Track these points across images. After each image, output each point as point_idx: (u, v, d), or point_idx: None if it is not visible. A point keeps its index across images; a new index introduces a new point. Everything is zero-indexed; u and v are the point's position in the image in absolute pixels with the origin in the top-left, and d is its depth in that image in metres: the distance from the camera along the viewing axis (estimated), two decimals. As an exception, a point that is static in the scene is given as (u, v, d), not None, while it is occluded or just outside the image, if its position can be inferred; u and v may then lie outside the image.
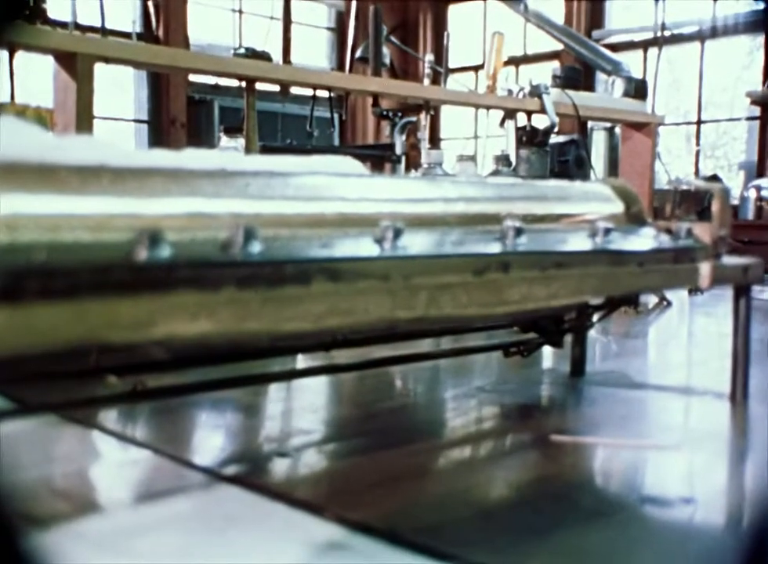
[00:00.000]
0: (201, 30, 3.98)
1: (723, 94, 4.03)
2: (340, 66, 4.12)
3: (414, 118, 2.23)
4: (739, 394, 0.73)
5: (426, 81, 1.83)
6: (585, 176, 2.63)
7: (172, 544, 0.42)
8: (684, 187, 0.71)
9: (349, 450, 0.57)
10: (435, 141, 4.48)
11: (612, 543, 0.41)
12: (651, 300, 1.36)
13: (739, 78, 3.95)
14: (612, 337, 1.10)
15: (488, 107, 1.81)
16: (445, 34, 2.08)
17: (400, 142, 2.31)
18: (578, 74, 2.04)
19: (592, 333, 1.12)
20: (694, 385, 0.80)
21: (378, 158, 2.70)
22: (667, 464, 0.56)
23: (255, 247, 0.45)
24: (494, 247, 0.55)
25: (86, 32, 1.54)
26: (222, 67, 1.35)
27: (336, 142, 4.52)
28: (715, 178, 3.37)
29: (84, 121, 1.14)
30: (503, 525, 0.44)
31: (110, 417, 0.64)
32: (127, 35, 2.90)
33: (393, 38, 3.37)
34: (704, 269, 0.67)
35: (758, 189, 1.37)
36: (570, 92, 1.89)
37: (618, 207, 0.73)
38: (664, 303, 1.37)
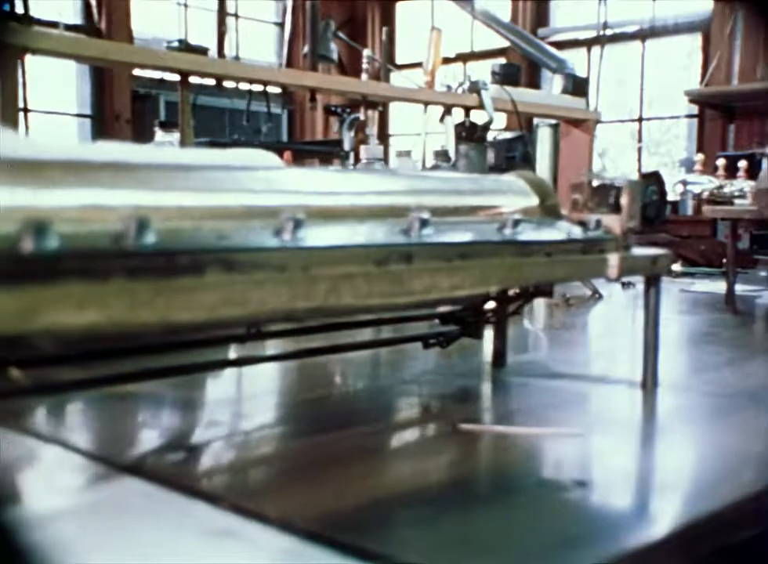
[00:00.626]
0: (146, 23, 3.93)
1: (666, 92, 4.11)
2: (288, 62, 4.10)
3: (362, 114, 2.23)
4: (649, 382, 0.74)
5: (364, 76, 1.83)
6: (531, 172, 2.66)
7: (62, 537, 0.42)
8: (597, 181, 0.72)
9: (256, 442, 0.58)
10: (384, 137, 4.48)
11: (497, 526, 0.42)
12: (584, 293, 1.38)
13: (680, 77, 4.02)
14: (539, 328, 1.12)
15: (427, 103, 1.82)
16: (384, 29, 2.09)
17: (348, 138, 2.30)
18: (517, 71, 2.07)
19: (525, 324, 1.14)
20: (612, 374, 0.82)
21: (327, 154, 2.70)
22: (567, 450, 0.57)
23: (149, 238, 0.45)
24: (398, 239, 0.56)
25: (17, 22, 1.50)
26: (153, 60, 1.34)
27: (284, 137, 4.49)
28: (655, 174, 3.43)
29: (9, 114, 1.12)
30: (394, 512, 0.44)
31: (17, 411, 0.63)
32: (71, 28, 2.84)
33: (340, 34, 3.36)
34: (613, 259, 0.68)
35: (684, 183, 1.41)
36: (509, 89, 1.91)
37: (532, 200, 0.74)
38: (596, 296, 1.39)
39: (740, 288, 1.53)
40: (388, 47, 1.92)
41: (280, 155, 1.69)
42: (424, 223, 0.57)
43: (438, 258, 0.56)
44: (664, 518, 0.46)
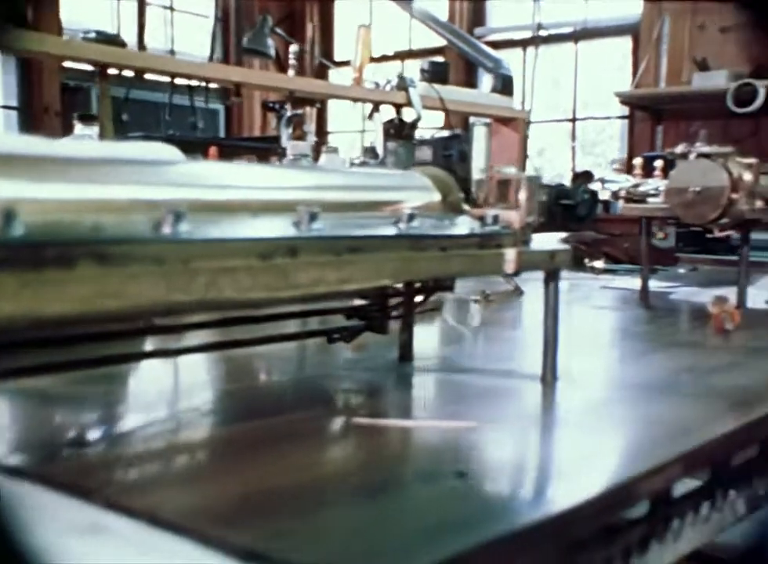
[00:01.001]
0: (79, 14, 3.85)
1: (601, 93, 4.18)
2: (225, 56, 4.05)
3: (300, 111, 2.22)
4: (549, 376, 0.75)
5: (291, 72, 1.83)
6: (467, 170, 2.69)
7: None
8: (499, 176, 0.73)
9: (144, 439, 0.57)
10: (323, 134, 4.47)
11: (368, 518, 0.42)
12: (506, 289, 1.39)
13: (614, 79, 4.10)
14: (454, 325, 1.13)
15: (355, 100, 1.82)
16: (310, 26, 2.08)
17: (286, 135, 2.29)
18: (445, 69, 2.08)
19: (440, 320, 1.14)
20: (518, 369, 0.83)
21: (264, 150, 2.69)
22: (455, 442, 0.57)
23: (16, 230, 0.44)
24: (285, 233, 0.55)
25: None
26: (67, 51, 1.31)
27: (222, 133, 4.44)
28: (586, 173, 3.50)
29: None
30: (269, 507, 0.44)
31: None
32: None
33: (278, 30, 3.33)
34: (510, 254, 0.69)
35: (603, 182, 1.44)
36: (438, 86, 1.92)
37: (434, 195, 0.75)
38: (518, 292, 1.41)
39: (657, 285, 1.56)
40: (314, 43, 1.91)
41: (206, 151, 1.67)
42: (313, 217, 0.57)
43: (326, 251, 0.56)
44: (536, 506, 0.47)
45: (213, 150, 1.60)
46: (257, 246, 0.52)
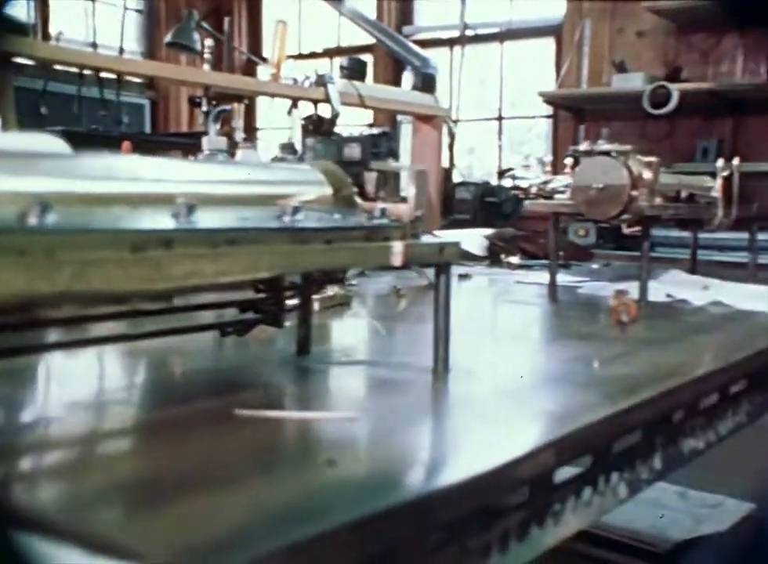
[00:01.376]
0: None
1: (528, 93, 4.25)
2: (150, 50, 3.99)
3: (228, 107, 2.20)
4: (441, 368, 0.77)
5: (206, 67, 1.81)
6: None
7: None
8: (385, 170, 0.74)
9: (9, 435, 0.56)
10: (251, 130, 4.44)
11: (218, 507, 0.42)
12: (419, 284, 1.41)
13: (541, 79, 4.17)
14: (361, 318, 1.13)
15: (272, 95, 1.81)
16: (227, 20, 2.07)
17: (213, 131, 2.26)
18: (364, 66, 2.09)
19: (346, 315, 1.15)
20: (415, 362, 0.83)
21: (191, 146, 2.65)
22: (333, 432, 0.58)
23: None
24: (160, 224, 0.55)
25: None
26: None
27: (147, 128, 4.37)
28: (511, 172, 3.56)
29: None
30: (128, 498, 0.44)
31: None
32: None
33: (204, 24, 3.29)
34: (397, 247, 0.70)
35: (513, 178, 1.46)
36: (358, 84, 1.93)
37: (326, 189, 0.75)
38: (430, 287, 1.42)
39: (568, 279, 1.60)
40: (230, 38, 1.89)
41: (119, 145, 1.64)
42: (191, 209, 0.57)
43: (202, 244, 0.56)
44: (400, 490, 0.47)
45: (126, 145, 1.58)
46: (128, 237, 0.52)
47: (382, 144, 2.94)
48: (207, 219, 0.58)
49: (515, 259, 1.88)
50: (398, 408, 0.66)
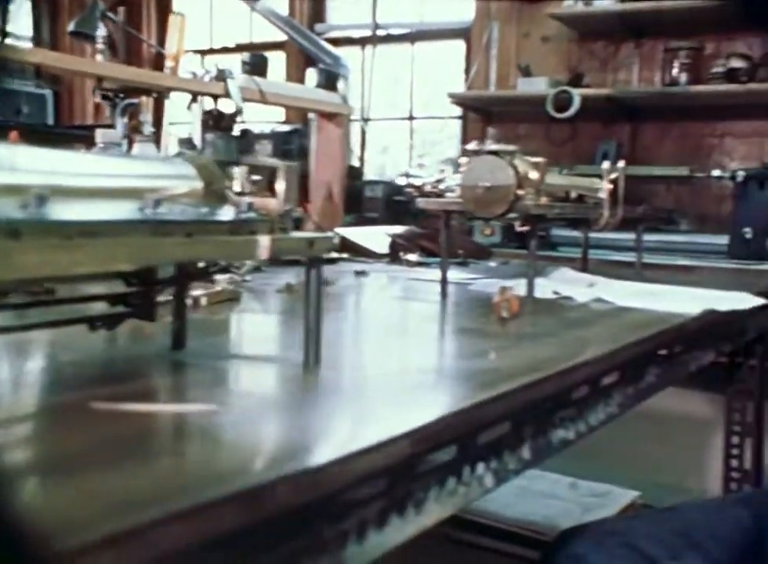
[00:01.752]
0: None
1: (440, 94, 4.30)
2: (53, 39, 3.87)
3: (136, 100, 2.15)
4: (311, 361, 0.77)
5: (99, 57, 1.77)
6: (307, 163, 2.70)
7: None
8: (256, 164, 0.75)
9: None
10: (160, 124, 4.35)
11: (61, 498, 0.42)
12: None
13: (454, 80, 4.22)
14: (250, 313, 1.13)
15: (170, 89, 1.79)
16: (121, 9, 2.03)
17: (120, 124, 2.20)
18: (265, 62, 2.08)
19: (235, 310, 1.15)
20: (293, 356, 0.84)
21: (89, 139, 2.59)
22: (189, 424, 0.58)
23: None
24: (9, 215, 0.54)
25: None
26: None
27: (50, 120, 4.23)
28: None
29: None
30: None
31: None
32: None
33: (111, 15, 3.21)
34: (264, 240, 0.70)
35: (407, 176, 1.48)
36: (259, 79, 1.92)
37: (196, 183, 0.75)
38: (327, 284, 1.43)
39: (462, 277, 1.63)
40: (125, 30, 1.86)
41: (6, 135, 1.59)
42: (42, 200, 0.56)
43: (53, 235, 0.55)
44: (241, 478, 0.48)
45: (14, 134, 1.53)
46: (-31, 228, 0.51)
47: (293, 141, 2.94)
48: (63, 211, 0.58)
49: (413, 257, 1.90)
50: (259, 401, 0.67)
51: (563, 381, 0.88)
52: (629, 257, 2.23)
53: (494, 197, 1.32)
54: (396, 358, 0.91)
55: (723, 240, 2.59)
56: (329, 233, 0.78)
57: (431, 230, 2.34)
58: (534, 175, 1.35)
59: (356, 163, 3.91)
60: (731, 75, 3.03)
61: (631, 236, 2.58)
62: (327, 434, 0.60)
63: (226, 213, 0.71)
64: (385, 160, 5.07)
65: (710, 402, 2.34)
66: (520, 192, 1.32)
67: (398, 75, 4.32)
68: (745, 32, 3.18)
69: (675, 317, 1.22)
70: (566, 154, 3.50)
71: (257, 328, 1.06)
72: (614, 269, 1.94)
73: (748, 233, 2.59)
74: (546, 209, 1.37)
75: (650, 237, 2.88)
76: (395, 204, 3.41)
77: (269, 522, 0.50)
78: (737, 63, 3.04)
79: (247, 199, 0.70)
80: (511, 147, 1.34)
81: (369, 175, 3.87)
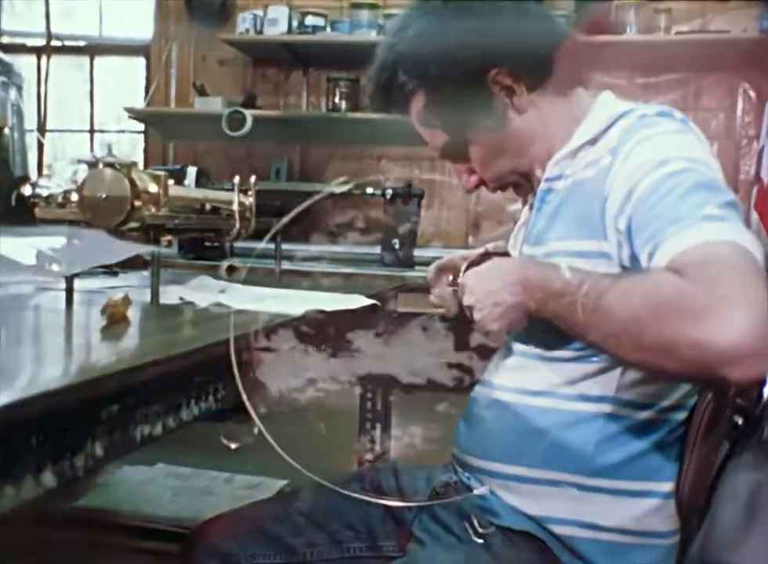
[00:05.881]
0: None
1: (120, 108, 4.15)
2: None
3: None
4: None
5: None
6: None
7: None
8: None
9: None
10: None
11: None
12: None
13: (136, 95, 4.11)
14: None
15: None
16: None
17: None
18: None
19: None
20: None
21: None
22: None
23: None
24: None
25: None
26: None
27: None
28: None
29: None
30: None
31: None
32: None
33: None
34: None
35: (34, 186, 1.41)
36: None
37: None
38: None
39: (99, 285, 1.60)
40: None
41: None
42: None
43: None
44: None
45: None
46: None
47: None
48: None
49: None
50: None
51: (125, 379, 0.87)
52: (298, 266, 2.33)
53: (111, 208, 1.31)
54: None
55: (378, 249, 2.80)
56: None
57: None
58: (153, 187, 1.36)
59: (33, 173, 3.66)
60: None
61: (297, 246, 2.70)
62: None
63: None
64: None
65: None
66: (137, 203, 1.32)
67: (79, 87, 4.11)
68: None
69: (279, 317, 1.29)
70: (244, 171, 3.55)
71: None
72: (264, 277, 2.00)
73: (396, 243, 2.83)
74: (165, 220, 1.38)
75: (316, 248, 3.03)
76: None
77: None
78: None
79: None
80: (128, 161, 1.33)
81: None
